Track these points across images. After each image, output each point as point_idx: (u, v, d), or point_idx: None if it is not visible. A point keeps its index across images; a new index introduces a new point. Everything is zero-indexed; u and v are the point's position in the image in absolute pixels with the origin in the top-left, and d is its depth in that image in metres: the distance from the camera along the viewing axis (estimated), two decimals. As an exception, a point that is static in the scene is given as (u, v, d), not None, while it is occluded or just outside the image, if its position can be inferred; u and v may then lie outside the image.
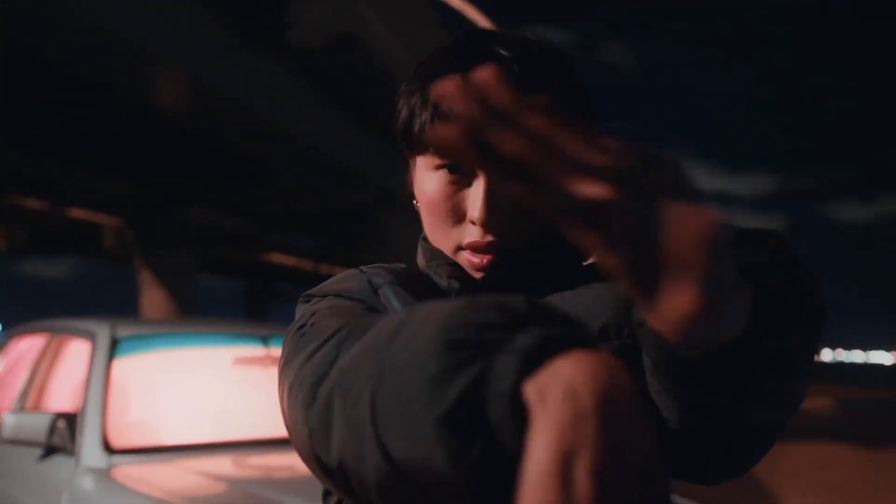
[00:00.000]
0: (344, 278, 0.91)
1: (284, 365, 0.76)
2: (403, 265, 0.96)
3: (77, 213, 27.04)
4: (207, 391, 3.60)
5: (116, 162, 20.84)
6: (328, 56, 16.12)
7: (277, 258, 38.62)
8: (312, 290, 0.91)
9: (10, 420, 3.06)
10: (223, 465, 3.08)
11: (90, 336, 3.44)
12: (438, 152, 0.84)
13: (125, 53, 12.50)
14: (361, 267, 0.93)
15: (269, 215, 27.86)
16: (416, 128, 0.85)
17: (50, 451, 3.08)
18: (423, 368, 0.53)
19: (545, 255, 0.86)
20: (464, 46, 0.87)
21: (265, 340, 3.75)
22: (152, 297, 26.81)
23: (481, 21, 18.31)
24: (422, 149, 0.86)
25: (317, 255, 38.64)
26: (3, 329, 5.04)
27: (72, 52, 12.83)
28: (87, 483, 2.84)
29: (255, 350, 3.73)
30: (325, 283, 0.91)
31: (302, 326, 0.79)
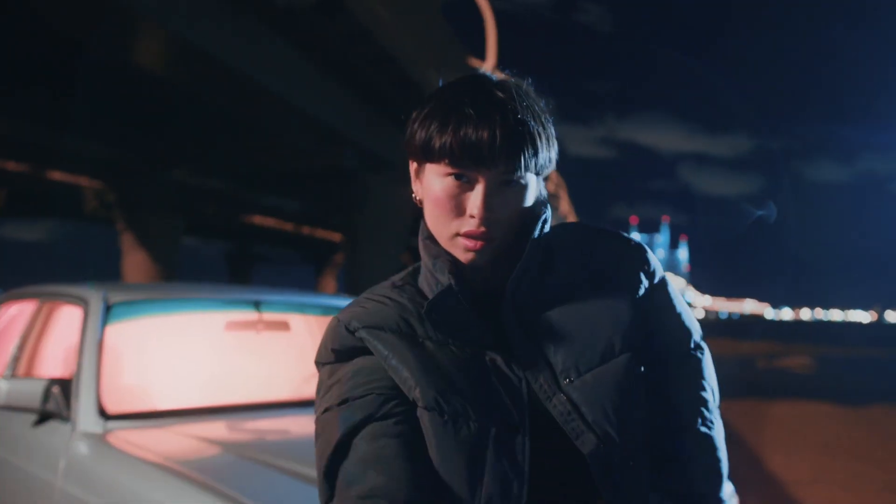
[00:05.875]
0: (329, 337, 1.22)
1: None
2: (394, 279, 1.29)
3: (57, 175, 26.70)
4: (201, 356, 3.58)
5: (97, 124, 20.50)
6: (312, 16, 15.89)
7: (259, 220, 38.39)
8: (318, 359, 1.25)
9: (3, 386, 2.97)
10: (217, 429, 3.07)
11: (82, 302, 3.37)
12: (452, 164, 1.12)
13: (107, 11, 12.25)
14: (338, 315, 1.23)
15: (252, 176, 27.61)
16: (436, 145, 1.11)
17: (45, 416, 3.03)
18: None
19: (520, 248, 1.17)
20: (469, 87, 1.15)
21: (257, 305, 3.71)
22: (135, 260, 26.65)
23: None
24: (436, 160, 1.13)
25: (299, 217, 38.48)
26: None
27: (52, 9, 12.59)
28: (83, 448, 2.82)
29: (247, 315, 3.68)
30: (320, 349, 1.24)
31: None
